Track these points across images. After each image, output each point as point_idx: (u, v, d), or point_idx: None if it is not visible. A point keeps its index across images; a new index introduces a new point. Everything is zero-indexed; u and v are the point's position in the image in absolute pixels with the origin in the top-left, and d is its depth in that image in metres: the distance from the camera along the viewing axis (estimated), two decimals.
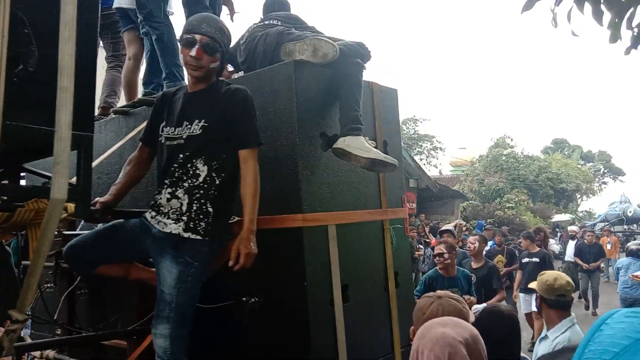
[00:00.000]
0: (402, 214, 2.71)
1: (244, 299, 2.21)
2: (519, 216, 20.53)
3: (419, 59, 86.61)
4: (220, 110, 2.03)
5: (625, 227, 20.38)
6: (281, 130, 2.20)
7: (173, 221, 1.99)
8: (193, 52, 2.00)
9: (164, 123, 2.12)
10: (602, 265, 12.48)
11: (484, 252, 8.96)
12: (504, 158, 25.80)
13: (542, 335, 2.70)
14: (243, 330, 2.23)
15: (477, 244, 4.92)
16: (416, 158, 22.37)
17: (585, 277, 9.15)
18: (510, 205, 21.25)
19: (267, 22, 2.72)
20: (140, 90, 3.51)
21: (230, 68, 2.95)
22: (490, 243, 9.65)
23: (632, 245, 8.52)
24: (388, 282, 2.51)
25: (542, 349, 2.57)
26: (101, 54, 4.39)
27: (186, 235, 1.96)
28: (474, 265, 4.83)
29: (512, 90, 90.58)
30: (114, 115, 3.28)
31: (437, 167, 28.99)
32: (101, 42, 4.11)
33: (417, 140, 28.85)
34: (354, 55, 2.41)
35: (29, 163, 2.05)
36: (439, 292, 1.89)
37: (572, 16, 3.00)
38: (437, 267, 4.05)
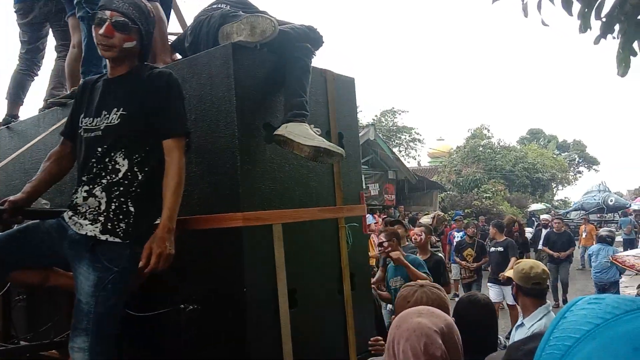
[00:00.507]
0: (360, 212, 2.53)
1: (182, 306, 2.02)
2: (496, 206, 20.70)
3: (397, 51, 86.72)
4: (140, 97, 1.85)
5: (598, 215, 20.58)
6: (219, 120, 1.99)
7: (90, 222, 1.79)
8: (102, 30, 1.81)
9: (83, 114, 1.93)
10: (579, 253, 12.59)
11: (453, 245, 8.89)
12: (480, 149, 25.94)
13: (519, 323, 2.72)
14: (179, 339, 2.03)
15: (423, 236, 4.72)
16: (395, 150, 22.32)
17: (554, 268, 8.40)
18: (487, 195, 21.39)
19: (214, 6, 2.52)
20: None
21: (178, 56, 2.74)
22: (460, 234, 9.50)
23: (602, 231, 8.69)
24: (343, 285, 2.33)
25: (518, 336, 2.56)
26: (51, 42, 4.10)
27: (103, 237, 1.77)
28: (420, 257, 4.69)
29: (487, 81, 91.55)
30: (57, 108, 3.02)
31: (415, 159, 29.08)
32: (51, 30, 3.83)
33: (395, 132, 28.83)
34: (303, 39, 2.22)
35: None
36: (419, 281, 1.94)
37: (542, 6, 2.94)
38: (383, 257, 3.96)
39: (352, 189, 2.50)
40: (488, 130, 28.56)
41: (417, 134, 29.24)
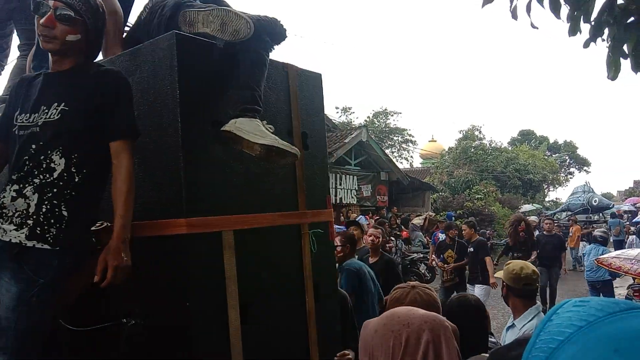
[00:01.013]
0: (325, 217, 2.34)
1: (123, 320, 1.83)
2: (488, 207, 20.59)
3: (389, 52, 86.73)
4: (85, 93, 1.70)
5: (585, 216, 20.48)
6: (163, 116, 1.80)
7: (15, 227, 1.61)
8: (43, 20, 1.68)
9: (18, 111, 1.76)
10: (569, 254, 12.46)
11: (435, 244, 8.64)
12: (472, 150, 25.87)
13: (509, 324, 2.70)
14: (119, 357, 1.84)
15: (380, 238, 4.75)
16: (387, 151, 22.19)
17: (545, 272, 7.53)
18: (479, 196, 21.29)
19: None
20: None
21: None
22: (441, 235, 9.24)
23: (596, 232, 8.59)
24: (305, 297, 2.15)
25: (509, 337, 2.57)
26: (15, 42, 3.88)
27: (30, 244, 1.59)
28: (371, 259, 4.58)
29: (479, 82, 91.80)
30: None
31: (408, 160, 29.00)
32: (14, 28, 3.63)
33: (388, 134, 28.73)
34: (264, 32, 2.04)
35: None
36: (410, 282, 1.92)
37: (531, 9, 2.91)
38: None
39: (317, 193, 2.32)
40: (479, 132, 28.56)
41: (410, 135, 29.19)
